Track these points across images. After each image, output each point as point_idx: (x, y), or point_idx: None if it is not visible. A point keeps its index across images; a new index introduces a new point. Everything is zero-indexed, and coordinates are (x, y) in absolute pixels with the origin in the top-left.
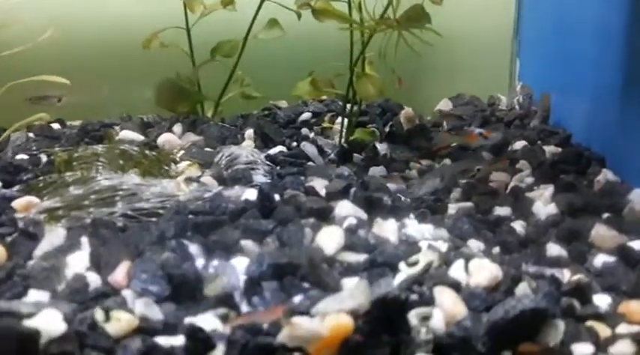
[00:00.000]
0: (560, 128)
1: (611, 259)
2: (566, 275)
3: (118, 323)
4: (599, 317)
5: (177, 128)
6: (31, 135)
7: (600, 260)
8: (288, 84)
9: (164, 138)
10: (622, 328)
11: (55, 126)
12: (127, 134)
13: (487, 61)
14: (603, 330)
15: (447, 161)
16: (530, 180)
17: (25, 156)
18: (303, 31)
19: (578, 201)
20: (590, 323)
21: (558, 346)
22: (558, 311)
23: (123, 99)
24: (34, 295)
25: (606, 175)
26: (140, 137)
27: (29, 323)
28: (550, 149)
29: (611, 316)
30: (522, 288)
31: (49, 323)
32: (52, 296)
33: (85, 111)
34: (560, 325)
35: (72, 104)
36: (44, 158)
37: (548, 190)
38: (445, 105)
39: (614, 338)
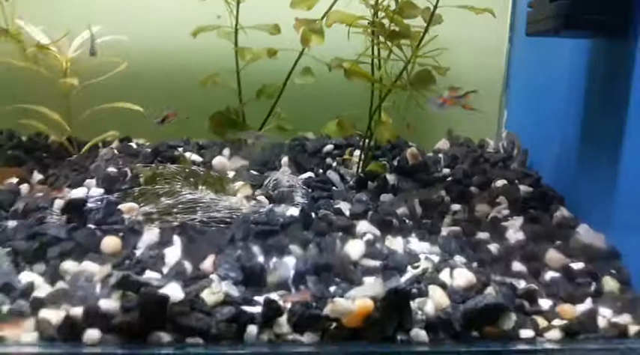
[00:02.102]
0: (533, 171)
1: (557, 275)
2: (522, 284)
3: (213, 296)
4: (540, 313)
5: (226, 151)
6: (115, 151)
7: (549, 275)
8: (315, 119)
9: (217, 160)
10: (556, 321)
11: (132, 145)
12: (188, 155)
13: (480, 110)
14: (542, 322)
15: (442, 192)
16: (506, 212)
17: (114, 169)
18: (331, 77)
19: (539, 231)
20: (534, 316)
21: (510, 330)
22: (512, 307)
23: (182, 125)
24: (149, 275)
25: (563, 212)
26: (199, 158)
27: (161, 291)
28: (524, 188)
29: (549, 313)
30: (489, 290)
31: (173, 292)
32: (162, 277)
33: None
34: (513, 316)
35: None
36: (128, 172)
37: (518, 221)
38: (443, 144)
39: (549, 328)
